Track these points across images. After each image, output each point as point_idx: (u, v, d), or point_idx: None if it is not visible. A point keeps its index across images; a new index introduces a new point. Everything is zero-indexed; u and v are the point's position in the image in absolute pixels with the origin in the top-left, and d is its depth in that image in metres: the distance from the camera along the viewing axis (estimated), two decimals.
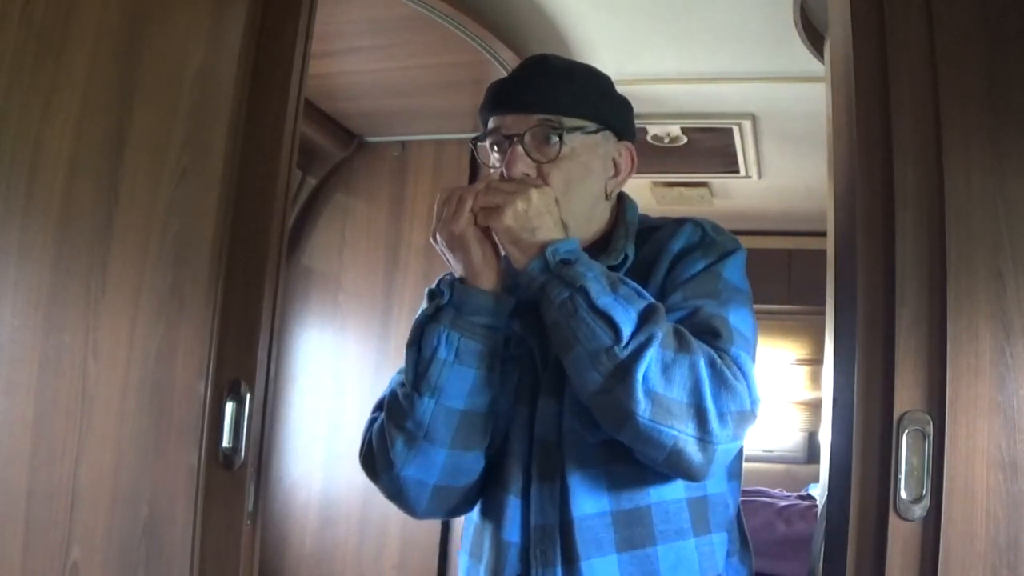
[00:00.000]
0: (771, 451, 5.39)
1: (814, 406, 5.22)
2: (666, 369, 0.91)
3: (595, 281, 0.94)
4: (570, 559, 0.99)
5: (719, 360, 0.94)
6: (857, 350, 1.11)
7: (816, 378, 5.17)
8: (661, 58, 2.51)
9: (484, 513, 1.10)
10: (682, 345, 0.92)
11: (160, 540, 1.22)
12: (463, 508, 1.12)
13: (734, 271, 1.06)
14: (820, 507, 1.43)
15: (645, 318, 0.93)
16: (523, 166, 1.04)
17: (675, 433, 0.90)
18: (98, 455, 1.11)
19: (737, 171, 3.59)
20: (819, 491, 1.59)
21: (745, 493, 4.12)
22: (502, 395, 1.06)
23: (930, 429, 1.04)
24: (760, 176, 3.68)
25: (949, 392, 1.04)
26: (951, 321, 1.05)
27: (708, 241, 1.07)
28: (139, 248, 1.18)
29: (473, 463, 1.05)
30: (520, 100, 1.06)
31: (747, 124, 3.03)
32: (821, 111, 1.81)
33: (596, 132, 1.08)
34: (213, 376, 1.30)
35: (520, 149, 1.04)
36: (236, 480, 1.28)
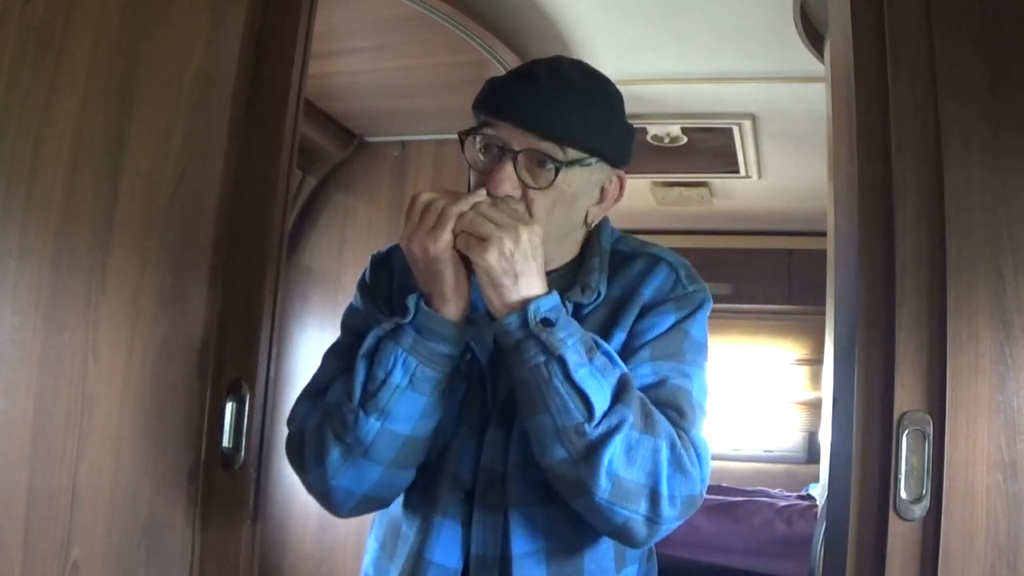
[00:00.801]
0: (771, 451, 5.39)
1: (814, 406, 5.22)
2: (630, 451, 0.90)
3: (574, 350, 0.91)
4: None
5: (679, 443, 0.94)
6: (857, 350, 1.11)
7: (816, 378, 5.17)
8: (661, 58, 2.51)
9: (405, 518, 1.07)
10: (648, 426, 0.92)
11: (160, 540, 1.22)
12: (385, 507, 1.10)
13: (700, 327, 1.05)
14: (820, 507, 1.43)
15: (618, 396, 0.92)
16: (509, 187, 0.97)
17: (627, 514, 0.91)
18: (98, 455, 1.11)
19: (737, 171, 3.59)
20: (819, 491, 1.59)
21: (745, 493, 4.14)
22: (447, 410, 1.02)
23: (930, 429, 1.04)
24: (760, 176, 3.68)
25: (949, 392, 1.04)
26: (951, 321, 1.05)
27: (680, 292, 1.05)
28: (139, 248, 1.18)
29: (407, 478, 1.03)
30: (525, 114, 0.98)
31: (747, 124, 3.03)
32: (821, 111, 1.81)
33: (595, 164, 1.02)
34: (213, 376, 1.30)
35: (510, 168, 0.97)
36: (236, 480, 1.28)
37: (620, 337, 1.02)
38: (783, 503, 3.87)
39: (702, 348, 1.05)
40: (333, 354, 1.11)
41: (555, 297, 0.94)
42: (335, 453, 0.98)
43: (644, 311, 1.03)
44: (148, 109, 1.17)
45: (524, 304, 0.92)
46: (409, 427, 0.98)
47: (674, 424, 0.96)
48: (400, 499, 1.08)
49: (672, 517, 0.93)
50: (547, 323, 0.92)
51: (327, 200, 2.80)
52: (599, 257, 1.07)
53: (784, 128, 3.08)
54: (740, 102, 2.86)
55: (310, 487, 1.04)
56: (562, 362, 0.90)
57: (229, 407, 1.28)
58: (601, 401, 0.91)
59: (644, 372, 1.00)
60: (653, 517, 0.92)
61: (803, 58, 2.20)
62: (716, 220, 4.55)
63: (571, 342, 0.91)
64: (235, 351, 1.31)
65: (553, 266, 1.05)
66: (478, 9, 2.10)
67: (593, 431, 0.90)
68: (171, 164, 1.23)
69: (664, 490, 0.92)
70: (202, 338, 1.29)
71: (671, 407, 0.97)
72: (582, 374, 0.91)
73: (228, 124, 1.33)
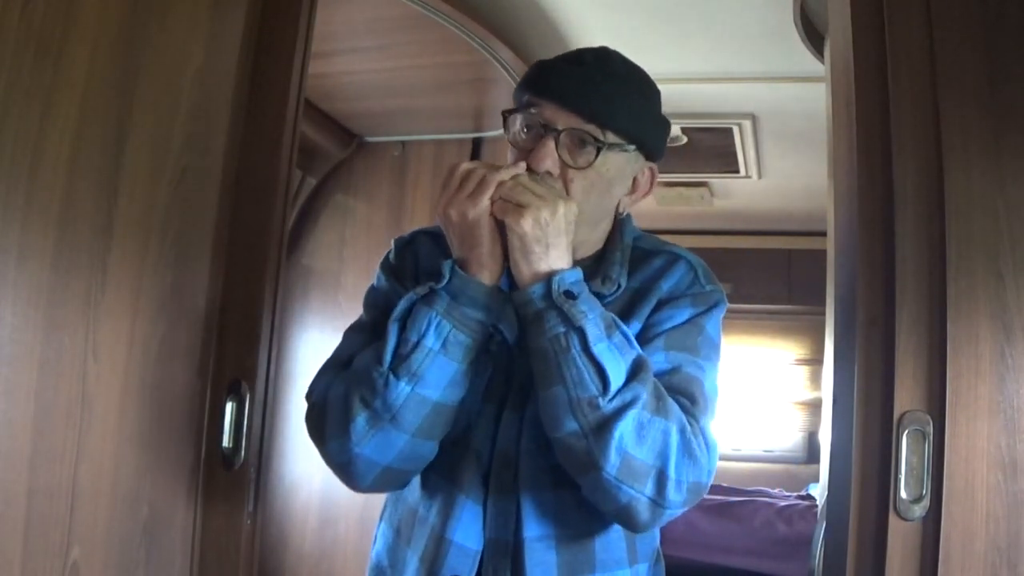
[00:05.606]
0: (771, 451, 5.39)
1: (814, 406, 5.22)
2: (640, 429, 0.91)
3: (594, 324, 0.93)
4: None
5: (689, 429, 0.95)
6: (857, 350, 1.11)
7: (816, 378, 5.17)
8: (661, 58, 2.50)
9: (424, 502, 1.06)
10: (660, 409, 0.93)
11: (160, 540, 1.22)
12: (402, 486, 1.09)
13: (714, 326, 1.06)
14: (820, 507, 1.43)
15: (633, 373, 0.93)
16: (550, 163, 1.00)
17: (633, 493, 0.92)
18: (98, 455, 1.11)
19: (737, 171, 3.59)
20: (819, 491, 1.59)
21: (745, 493, 4.14)
22: (472, 388, 1.03)
23: (930, 429, 1.05)
24: (760, 176, 3.68)
25: (949, 392, 1.04)
26: (951, 321, 1.05)
27: (698, 289, 1.06)
28: (139, 248, 1.18)
29: (430, 451, 1.02)
30: (570, 96, 1.01)
31: (747, 124, 3.03)
32: (821, 111, 1.81)
33: (632, 151, 1.05)
34: (213, 376, 1.30)
35: (552, 146, 1.00)
36: (236, 480, 1.28)
37: (635, 327, 1.03)
38: (783, 503, 3.86)
39: (716, 347, 1.06)
40: (355, 330, 1.11)
41: (579, 272, 0.97)
42: (360, 419, 0.97)
43: (661, 304, 1.05)
44: (148, 109, 1.17)
45: (550, 275, 0.95)
46: (438, 393, 0.98)
47: (685, 411, 0.96)
48: (416, 484, 1.08)
49: (677, 502, 0.93)
50: (569, 295, 0.94)
51: (327, 200, 2.80)
52: (620, 251, 1.09)
53: (784, 128, 3.08)
54: (740, 102, 2.86)
55: (330, 458, 1.02)
56: (581, 333, 0.92)
57: (229, 407, 1.28)
58: (617, 376, 0.92)
59: (658, 359, 1.00)
60: (658, 500, 0.92)
61: (803, 58, 2.19)
62: (716, 220, 4.55)
63: (591, 316, 0.93)
64: (235, 351, 1.31)
65: (579, 255, 1.06)
66: (478, 9, 2.09)
67: (607, 405, 0.91)
68: (171, 164, 1.23)
69: (672, 473, 0.92)
70: (202, 338, 1.29)
71: (683, 394, 0.98)
72: (600, 348, 0.92)
73: (228, 124, 1.33)
